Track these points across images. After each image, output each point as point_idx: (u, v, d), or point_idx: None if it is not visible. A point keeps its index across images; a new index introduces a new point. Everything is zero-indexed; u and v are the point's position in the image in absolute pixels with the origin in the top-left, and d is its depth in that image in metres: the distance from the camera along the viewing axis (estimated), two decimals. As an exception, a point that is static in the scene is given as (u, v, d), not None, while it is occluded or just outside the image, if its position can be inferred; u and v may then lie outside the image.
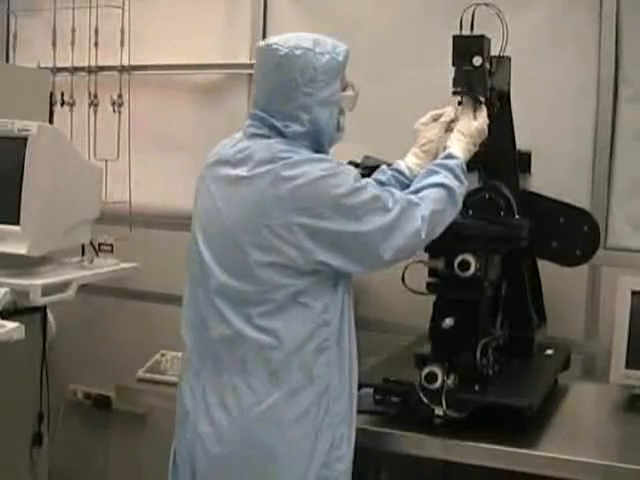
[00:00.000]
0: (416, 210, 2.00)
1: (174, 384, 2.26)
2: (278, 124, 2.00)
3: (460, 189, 2.10)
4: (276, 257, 1.93)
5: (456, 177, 2.09)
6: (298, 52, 1.96)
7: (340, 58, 2.02)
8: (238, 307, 1.97)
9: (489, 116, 2.27)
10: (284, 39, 2.00)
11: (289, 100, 1.98)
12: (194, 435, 2.02)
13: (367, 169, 2.59)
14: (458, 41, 2.22)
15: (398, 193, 2.04)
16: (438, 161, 2.14)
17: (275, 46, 1.98)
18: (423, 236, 2.00)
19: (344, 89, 2.08)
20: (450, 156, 2.14)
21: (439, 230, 2.06)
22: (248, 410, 1.95)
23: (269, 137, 2.01)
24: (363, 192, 1.96)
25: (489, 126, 2.37)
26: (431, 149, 2.26)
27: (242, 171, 1.98)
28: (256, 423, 1.95)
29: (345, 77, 2.08)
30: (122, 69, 3.40)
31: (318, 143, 2.03)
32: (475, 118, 2.22)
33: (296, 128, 1.99)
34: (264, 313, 1.95)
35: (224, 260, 2.00)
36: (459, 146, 2.17)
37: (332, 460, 2.01)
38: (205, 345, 2.03)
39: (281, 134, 2.00)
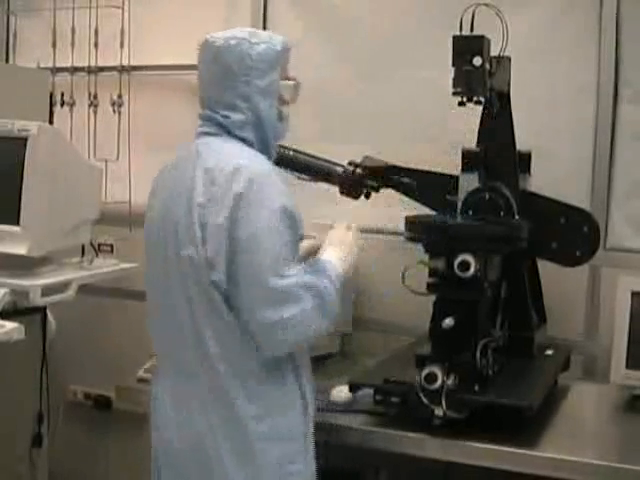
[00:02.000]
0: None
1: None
2: (219, 117, 2.02)
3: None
4: None
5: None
6: (233, 42, 2.00)
7: (277, 47, 2.03)
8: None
9: (489, 117, 2.27)
10: (221, 33, 2.04)
11: (227, 89, 2.01)
12: (157, 431, 2.07)
13: (367, 169, 2.60)
14: (458, 41, 2.22)
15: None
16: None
17: (211, 39, 2.04)
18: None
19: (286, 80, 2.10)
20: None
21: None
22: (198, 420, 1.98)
23: (216, 135, 2.03)
24: (286, 278, 1.91)
25: (489, 127, 2.39)
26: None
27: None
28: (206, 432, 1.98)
29: (287, 70, 2.10)
30: (122, 69, 3.40)
31: (263, 135, 2.04)
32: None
33: (236, 117, 2.01)
34: None
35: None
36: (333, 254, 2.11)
37: (285, 474, 1.99)
38: (167, 347, 2.07)
39: (228, 131, 2.02)
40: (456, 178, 2.46)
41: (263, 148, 2.05)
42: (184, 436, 1.99)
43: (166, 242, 2.00)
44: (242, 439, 1.96)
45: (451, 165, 2.49)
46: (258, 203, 1.90)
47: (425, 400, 2.12)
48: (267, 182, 1.94)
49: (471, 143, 2.48)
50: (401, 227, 2.29)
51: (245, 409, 1.96)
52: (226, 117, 2.02)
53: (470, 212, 2.40)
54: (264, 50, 2.01)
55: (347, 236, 2.18)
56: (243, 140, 2.03)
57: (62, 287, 2.69)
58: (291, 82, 2.10)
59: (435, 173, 2.58)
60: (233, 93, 2.00)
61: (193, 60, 3.41)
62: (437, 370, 2.11)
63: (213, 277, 1.91)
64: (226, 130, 2.02)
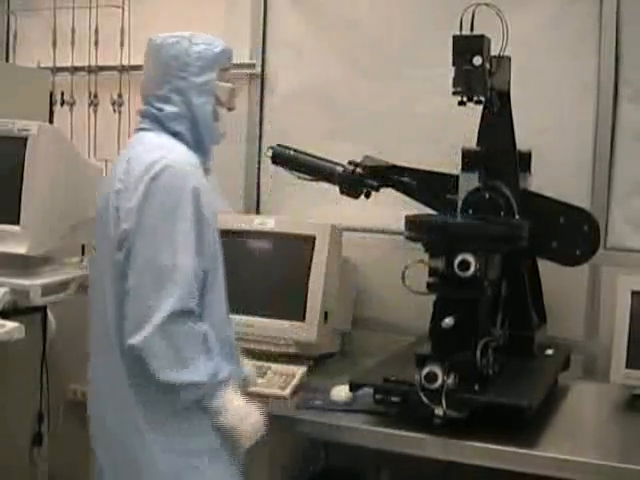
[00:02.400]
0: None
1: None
2: (154, 110, 2.07)
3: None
4: None
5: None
6: (172, 40, 2.08)
7: (216, 50, 2.10)
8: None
9: (489, 116, 2.26)
10: (163, 34, 2.11)
11: (165, 84, 2.07)
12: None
13: (367, 169, 2.60)
14: (458, 41, 2.22)
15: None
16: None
17: (154, 38, 2.11)
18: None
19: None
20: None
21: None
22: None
23: (150, 130, 2.08)
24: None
25: (489, 127, 2.38)
26: None
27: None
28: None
29: (229, 76, 2.15)
30: (122, 69, 3.40)
31: (196, 131, 2.08)
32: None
33: (169, 109, 2.06)
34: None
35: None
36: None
37: (187, 472, 2.00)
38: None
39: (162, 126, 2.07)
40: (456, 177, 2.46)
41: (197, 147, 2.09)
42: (99, 413, 2.09)
43: (96, 231, 2.10)
44: (136, 433, 2.00)
45: (451, 164, 2.49)
46: (167, 191, 1.94)
47: (425, 400, 2.12)
48: (180, 174, 1.97)
49: (471, 142, 2.48)
50: (401, 226, 2.29)
51: (140, 413, 1.99)
52: (160, 110, 2.07)
53: (470, 211, 2.40)
54: (203, 49, 2.08)
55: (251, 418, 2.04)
56: (176, 134, 2.07)
57: (62, 286, 2.69)
58: (228, 85, 2.14)
59: (435, 173, 2.58)
60: (169, 87, 2.07)
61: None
62: (437, 369, 2.11)
63: (117, 257, 1.97)
64: (160, 124, 2.07)
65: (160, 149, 2.01)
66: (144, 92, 2.14)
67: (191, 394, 1.94)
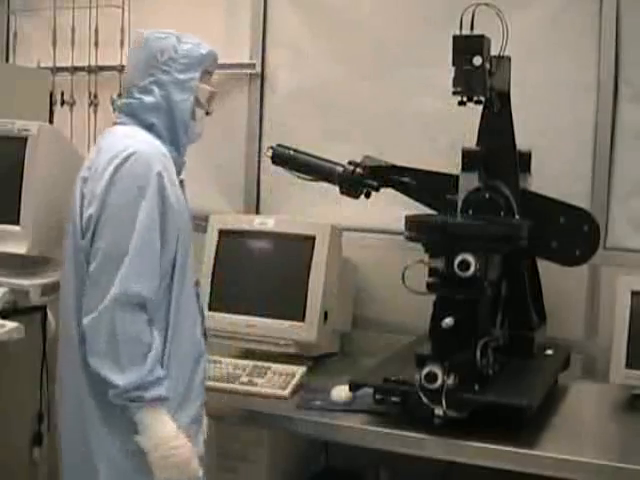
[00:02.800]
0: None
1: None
2: (133, 101, 2.07)
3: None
4: None
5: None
6: (161, 35, 2.10)
7: (202, 51, 2.11)
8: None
9: (489, 116, 2.26)
10: (152, 29, 2.13)
11: (147, 76, 2.07)
12: None
13: (367, 169, 2.60)
14: (458, 41, 2.22)
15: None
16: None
17: (143, 32, 2.13)
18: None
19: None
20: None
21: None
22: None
23: (125, 124, 2.08)
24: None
25: (489, 127, 2.38)
26: None
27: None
28: None
29: (212, 81, 2.16)
30: (122, 69, 3.40)
31: (172, 126, 2.08)
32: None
33: (148, 99, 2.06)
34: None
35: None
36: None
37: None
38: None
39: (138, 119, 2.07)
40: (456, 177, 2.46)
41: (171, 142, 2.09)
42: (65, 411, 2.12)
43: (67, 224, 2.08)
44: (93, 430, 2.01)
45: (451, 164, 2.49)
46: (131, 177, 1.95)
47: (425, 400, 2.12)
48: (145, 160, 1.97)
49: (471, 142, 2.48)
50: (401, 226, 2.29)
51: (97, 411, 1.99)
52: (139, 99, 2.07)
53: (470, 211, 2.40)
54: (189, 48, 2.09)
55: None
56: (151, 127, 2.06)
57: (62, 287, 2.69)
58: (208, 87, 2.15)
59: (435, 173, 2.58)
60: (151, 79, 2.07)
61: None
62: (437, 369, 2.11)
63: (81, 244, 1.98)
64: (136, 118, 2.07)
65: (129, 138, 2.02)
66: (126, 84, 2.13)
67: (110, 392, 1.92)
